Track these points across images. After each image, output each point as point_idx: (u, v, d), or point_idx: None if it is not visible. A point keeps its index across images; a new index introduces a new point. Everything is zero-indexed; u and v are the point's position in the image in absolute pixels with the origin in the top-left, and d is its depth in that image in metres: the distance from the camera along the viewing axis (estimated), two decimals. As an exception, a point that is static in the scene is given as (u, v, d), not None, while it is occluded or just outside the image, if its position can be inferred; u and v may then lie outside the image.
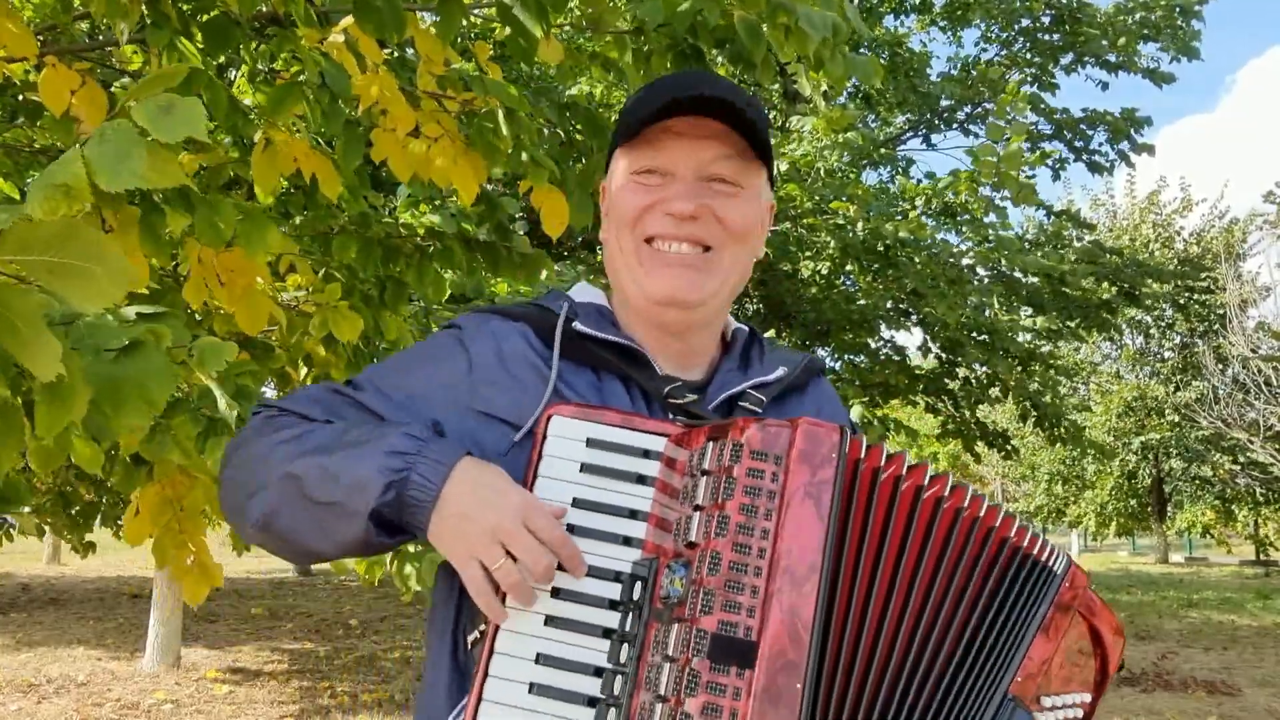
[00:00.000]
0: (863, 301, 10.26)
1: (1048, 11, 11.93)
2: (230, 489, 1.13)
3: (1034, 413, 11.48)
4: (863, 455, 1.04)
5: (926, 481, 1.06)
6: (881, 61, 12.04)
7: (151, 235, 2.06)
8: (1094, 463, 24.38)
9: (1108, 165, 11.99)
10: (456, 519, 1.00)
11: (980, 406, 11.86)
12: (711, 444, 1.03)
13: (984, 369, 10.87)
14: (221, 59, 2.38)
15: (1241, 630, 11.95)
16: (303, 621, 12.15)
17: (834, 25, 2.20)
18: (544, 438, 1.07)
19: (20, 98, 2.77)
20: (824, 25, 2.17)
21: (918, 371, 11.15)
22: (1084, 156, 12.04)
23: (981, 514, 1.08)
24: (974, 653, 1.05)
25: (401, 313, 3.29)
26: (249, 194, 3.64)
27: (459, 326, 1.21)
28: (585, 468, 1.05)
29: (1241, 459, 22.57)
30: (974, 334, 10.58)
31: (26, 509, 7.88)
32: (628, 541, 1.03)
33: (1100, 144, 11.93)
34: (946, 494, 1.06)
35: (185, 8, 2.28)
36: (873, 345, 11.10)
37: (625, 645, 0.99)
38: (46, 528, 9.08)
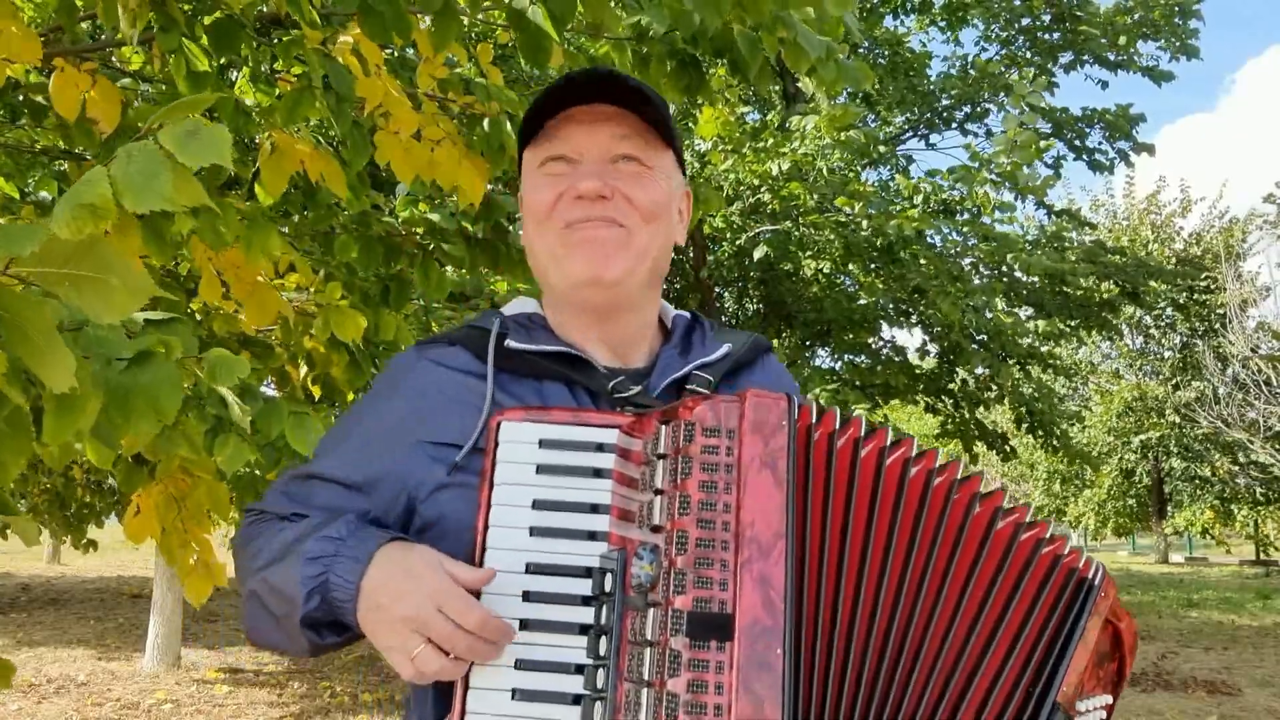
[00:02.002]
0: (864, 300, 10.26)
1: (1048, 10, 11.94)
2: (239, 569, 1.19)
3: (1028, 418, 11.49)
4: (814, 421, 1.05)
5: (889, 444, 1.07)
6: (880, 61, 12.07)
7: (156, 237, 2.07)
8: (1088, 467, 24.39)
9: (1108, 164, 12.01)
10: (375, 611, 1.01)
11: (979, 408, 11.87)
12: (664, 427, 1.05)
13: (984, 371, 10.88)
14: (223, 60, 2.38)
15: (1241, 630, 11.96)
16: (303, 621, 12.12)
17: (828, 47, 2.22)
18: (496, 445, 1.07)
19: (23, 98, 2.77)
20: (819, 46, 2.20)
21: (918, 371, 11.16)
22: (1084, 155, 12.06)
23: (980, 491, 1.08)
24: (1019, 658, 1.06)
25: (403, 311, 3.30)
26: (249, 193, 3.64)
27: (390, 367, 1.24)
28: (541, 468, 1.06)
29: (1241, 458, 22.58)
30: (975, 335, 10.59)
31: (23, 509, 7.92)
32: (593, 536, 1.03)
33: (1099, 143, 11.95)
34: (913, 456, 1.07)
35: (186, 8, 2.29)
36: (873, 345, 11.10)
37: (603, 638, 1.00)
38: (43, 528, 9.11)
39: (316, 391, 3.19)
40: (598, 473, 1.05)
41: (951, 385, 11.36)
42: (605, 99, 1.16)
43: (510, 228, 3.17)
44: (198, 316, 2.98)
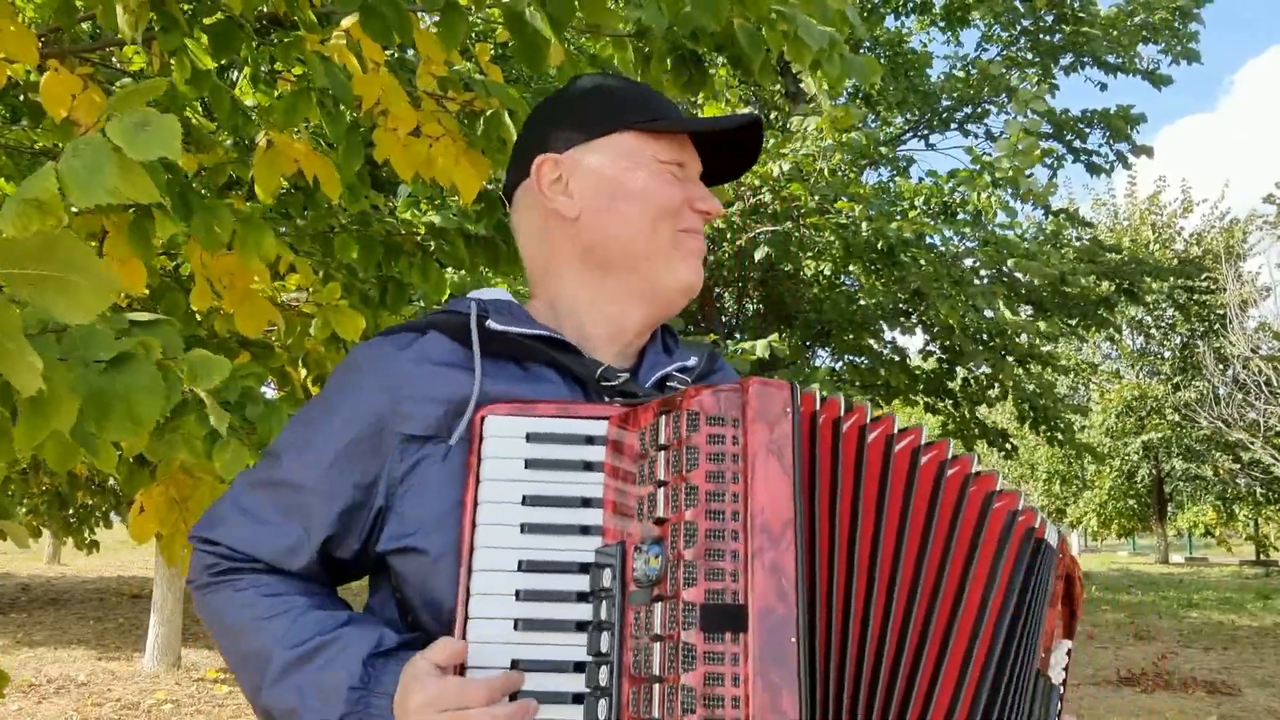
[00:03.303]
0: (864, 302, 10.27)
1: (1050, 10, 11.94)
2: (227, 658, 1.14)
3: (1031, 414, 11.50)
4: (818, 408, 1.04)
5: (896, 432, 1.06)
6: (881, 62, 12.08)
7: (141, 239, 2.07)
8: (1093, 463, 24.39)
9: (1106, 166, 12.01)
10: None
11: (979, 407, 11.87)
12: (664, 417, 1.02)
13: (984, 369, 10.89)
14: (225, 60, 2.39)
15: (1241, 630, 11.96)
16: (303, 621, 12.13)
17: (831, 39, 2.21)
18: (481, 440, 1.05)
19: (23, 98, 2.77)
20: (822, 37, 2.19)
21: (918, 372, 11.17)
22: (1082, 157, 12.07)
23: (973, 472, 1.08)
24: (1005, 638, 1.05)
25: (403, 313, 3.30)
26: (249, 194, 3.63)
27: (358, 358, 1.17)
28: (530, 463, 1.04)
29: (1242, 458, 22.57)
30: (977, 336, 10.59)
31: (22, 510, 7.91)
32: (585, 530, 1.02)
33: (1099, 144, 11.95)
34: (923, 445, 1.06)
35: (187, 8, 2.29)
36: (874, 347, 11.11)
37: (604, 634, 0.98)
38: (43, 529, 9.10)
39: (316, 391, 3.18)
40: (588, 466, 1.04)
41: (952, 385, 11.37)
42: (710, 148, 1.25)
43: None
44: (198, 316, 2.97)
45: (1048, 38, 12.23)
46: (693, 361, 1.26)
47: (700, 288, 1.22)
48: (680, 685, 0.94)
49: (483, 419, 1.06)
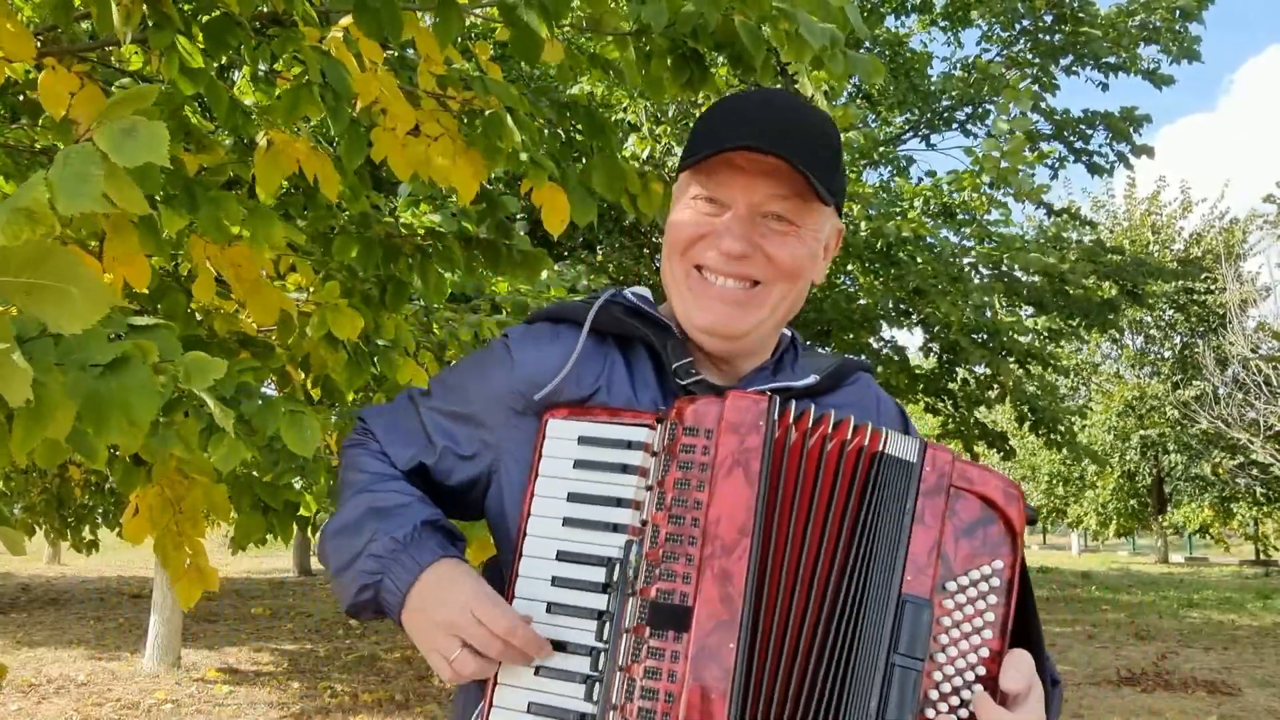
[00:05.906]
0: (863, 301, 10.26)
1: (1050, 11, 11.92)
2: (337, 500, 1.29)
3: (1031, 416, 11.47)
4: (793, 421, 1.09)
5: (850, 436, 1.10)
6: (882, 61, 12.06)
7: (151, 233, 2.07)
8: (1093, 464, 24.36)
9: (1107, 167, 11.99)
10: (417, 615, 1.11)
11: (979, 408, 11.85)
12: (660, 425, 1.12)
13: (984, 369, 10.87)
14: (224, 59, 2.38)
15: (1241, 630, 11.95)
16: (303, 621, 12.15)
17: (832, 36, 2.20)
18: (543, 440, 1.16)
19: (21, 97, 2.77)
20: (823, 34, 2.18)
21: (917, 371, 11.15)
22: (1083, 158, 12.05)
23: (866, 442, 1.10)
24: (852, 569, 1.06)
25: (402, 312, 3.29)
26: (249, 194, 3.62)
27: (508, 334, 1.28)
28: (578, 464, 1.14)
29: (1241, 458, 22.55)
30: (975, 334, 10.58)
31: (19, 510, 7.89)
32: (615, 528, 1.10)
33: (1100, 145, 11.93)
34: (849, 437, 1.10)
35: (186, 8, 2.28)
36: (874, 345, 11.10)
37: (608, 624, 1.07)
38: (38, 527, 9.09)
39: (316, 394, 3.17)
40: (624, 468, 1.11)
41: (951, 385, 11.35)
42: (777, 150, 1.11)
43: (512, 227, 3.16)
44: (198, 316, 2.96)
45: (1047, 38, 12.20)
46: (804, 383, 1.23)
47: (738, 329, 1.18)
48: (629, 676, 1.03)
49: (546, 421, 1.17)
